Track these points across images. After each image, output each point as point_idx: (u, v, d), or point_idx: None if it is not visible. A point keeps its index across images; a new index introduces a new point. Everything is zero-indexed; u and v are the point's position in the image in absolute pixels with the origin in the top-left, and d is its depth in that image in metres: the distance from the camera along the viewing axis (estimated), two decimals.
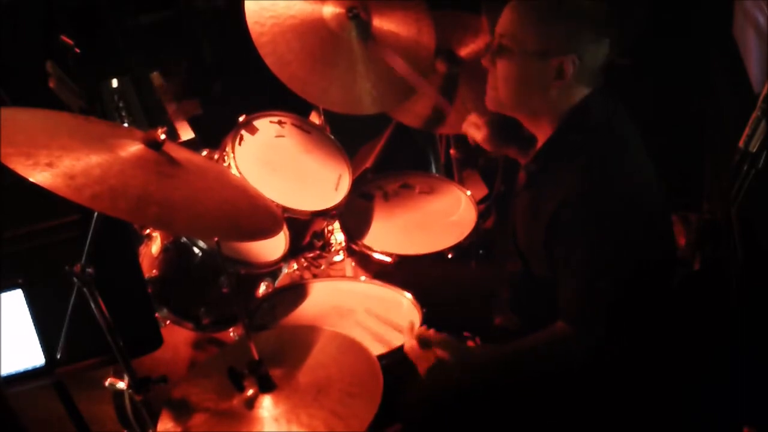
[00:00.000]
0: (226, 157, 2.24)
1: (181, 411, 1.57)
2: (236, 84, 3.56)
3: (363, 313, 2.02)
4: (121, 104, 2.73)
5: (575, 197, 1.61)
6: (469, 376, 1.74)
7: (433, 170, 3.09)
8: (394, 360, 1.80)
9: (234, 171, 2.20)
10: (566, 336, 1.65)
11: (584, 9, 1.61)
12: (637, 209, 1.61)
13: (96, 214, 1.40)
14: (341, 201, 2.36)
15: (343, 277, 2.46)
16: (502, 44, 1.66)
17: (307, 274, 2.63)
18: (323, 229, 2.60)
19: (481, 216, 2.56)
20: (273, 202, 2.13)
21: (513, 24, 1.65)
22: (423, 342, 1.75)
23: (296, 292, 2.15)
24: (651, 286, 1.65)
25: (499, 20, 1.67)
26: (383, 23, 2.36)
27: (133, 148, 1.41)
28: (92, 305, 1.43)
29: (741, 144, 1.88)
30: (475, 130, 2.09)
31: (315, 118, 2.66)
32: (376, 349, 1.80)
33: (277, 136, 2.44)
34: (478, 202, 2.61)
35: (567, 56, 1.59)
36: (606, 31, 1.63)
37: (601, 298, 1.60)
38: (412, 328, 1.82)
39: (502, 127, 2.02)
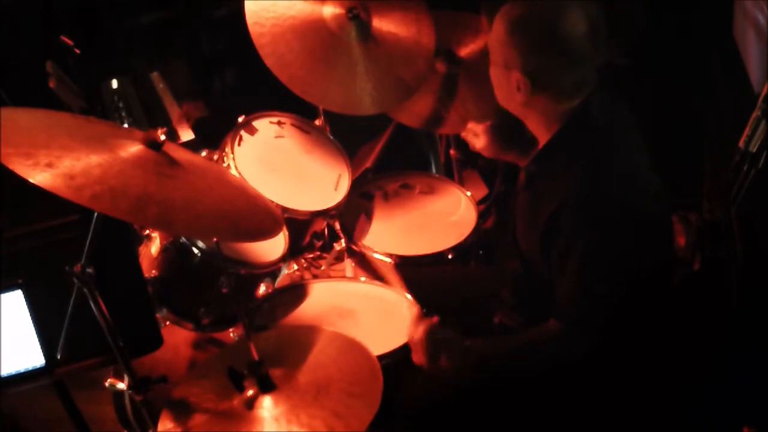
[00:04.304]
0: (225, 158, 2.24)
1: (182, 411, 1.56)
2: (236, 84, 3.56)
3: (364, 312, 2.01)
4: (121, 104, 2.73)
5: (574, 199, 1.61)
6: (468, 362, 1.72)
7: (433, 170, 3.09)
8: (394, 360, 1.80)
9: (233, 171, 2.20)
10: (558, 334, 1.66)
11: (545, 33, 1.58)
12: (637, 213, 1.61)
13: (96, 214, 1.40)
14: (341, 201, 2.36)
15: (343, 277, 2.46)
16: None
17: (307, 275, 2.63)
18: (323, 230, 2.60)
19: (481, 216, 2.56)
20: (273, 202, 2.13)
21: (491, 33, 1.69)
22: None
23: (296, 292, 2.15)
24: (649, 289, 1.65)
25: None
26: (383, 24, 2.36)
27: (133, 148, 1.41)
28: (92, 305, 1.43)
29: (741, 144, 1.88)
30: (473, 137, 2.14)
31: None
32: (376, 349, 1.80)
33: (276, 137, 2.43)
34: (478, 202, 2.61)
35: (521, 75, 1.61)
36: (574, 58, 1.59)
37: (598, 301, 1.60)
38: (417, 316, 1.80)
39: (502, 133, 2.04)
